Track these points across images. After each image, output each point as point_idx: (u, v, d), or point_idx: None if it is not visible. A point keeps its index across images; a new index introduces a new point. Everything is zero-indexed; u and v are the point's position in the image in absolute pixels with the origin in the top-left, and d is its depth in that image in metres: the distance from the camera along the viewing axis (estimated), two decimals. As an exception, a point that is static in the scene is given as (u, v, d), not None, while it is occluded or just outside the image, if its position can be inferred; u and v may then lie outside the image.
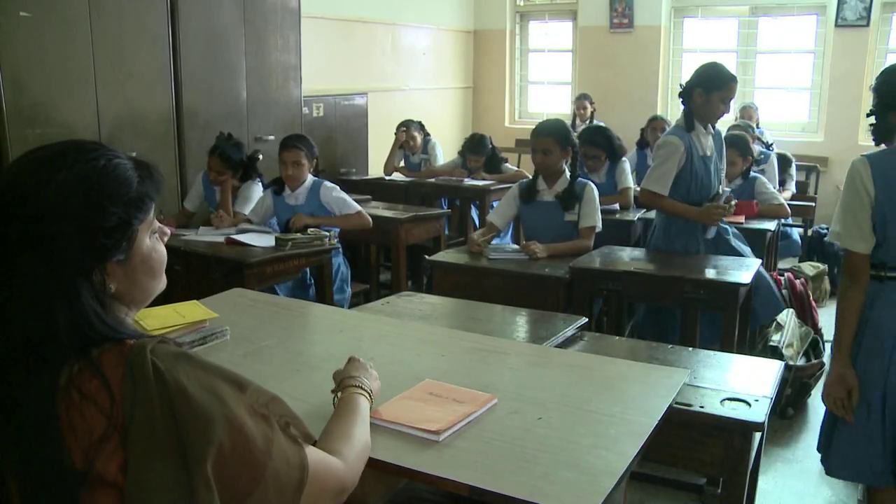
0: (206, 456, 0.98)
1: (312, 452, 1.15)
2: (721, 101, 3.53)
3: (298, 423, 1.16)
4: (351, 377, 1.49)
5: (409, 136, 6.29)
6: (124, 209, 1.06)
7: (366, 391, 1.48)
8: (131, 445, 0.96)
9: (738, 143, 4.67)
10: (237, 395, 1.06)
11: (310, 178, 4.15)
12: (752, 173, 4.73)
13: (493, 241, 3.86)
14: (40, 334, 0.99)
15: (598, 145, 4.86)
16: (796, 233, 5.94)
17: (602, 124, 5.68)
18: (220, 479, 0.99)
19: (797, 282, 4.47)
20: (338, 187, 4.20)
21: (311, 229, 3.92)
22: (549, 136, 3.76)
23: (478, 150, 6.09)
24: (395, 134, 6.32)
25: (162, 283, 1.18)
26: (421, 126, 6.42)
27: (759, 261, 3.50)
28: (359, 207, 4.13)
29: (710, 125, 3.64)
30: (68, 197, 1.01)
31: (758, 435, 2.07)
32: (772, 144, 6.07)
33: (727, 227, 3.73)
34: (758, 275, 3.39)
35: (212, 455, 0.98)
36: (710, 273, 3.22)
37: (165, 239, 1.19)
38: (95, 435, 0.97)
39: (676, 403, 1.73)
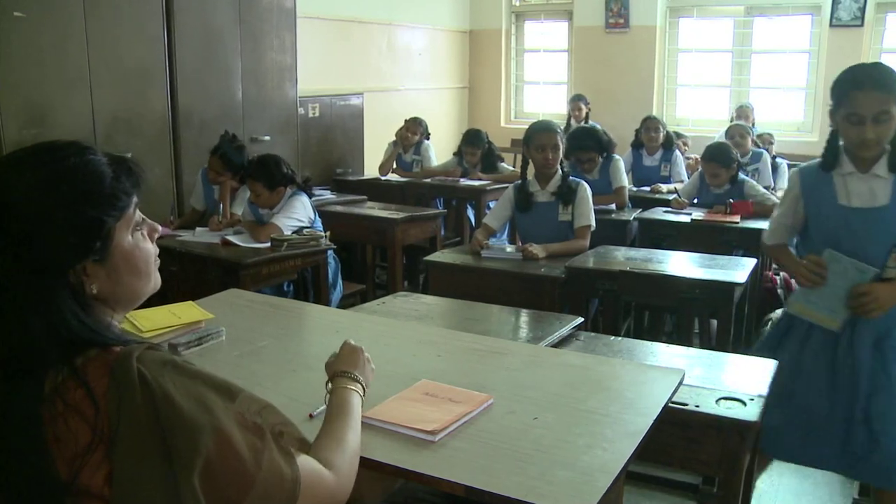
0: (194, 465, 0.96)
1: (305, 464, 1.13)
2: (848, 122, 2.31)
3: (293, 429, 1.15)
4: (344, 369, 1.47)
5: (410, 131, 6.30)
6: (96, 207, 1.03)
7: (359, 384, 1.46)
8: (117, 456, 0.94)
9: (719, 156, 4.63)
10: (226, 405, 1.03)
11: (288, 192, 4.01)
12: (741, 175, 4.73)
13: (490, 240, 3.87)
14: (17, 340, 0.97)
15: (590, 147, 4.87)
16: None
17: (598, 125, 5.68)
18: (209, 489, 0.98)
19: (792, 281, 4.48)
20: (300, 206, 3.99)
21: (307, 230, 3.92)
22: (557, 132, 3.84)
23: (474, 143, 6.10)
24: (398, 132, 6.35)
25: (151, 284, 1.14)
26: (425, 130, 6.43)
27: (755, 260, 3.51)
28: (280, 226, 3.85)
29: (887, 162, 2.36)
30: (38, 197, 0.99)
31: (753, 434, 2.07)
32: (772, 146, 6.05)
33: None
34: None
35: (199, 465, 0.96)
36: (705, 273, 3.22)
37: (156, 235, 1.15)
38: (80, 446, 0.95)
39: (672, 403, 1.73)
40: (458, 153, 6.25)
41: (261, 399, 1.10)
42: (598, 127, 5.41)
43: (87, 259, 1.03)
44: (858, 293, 2.31)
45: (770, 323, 3.00)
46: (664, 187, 5.41)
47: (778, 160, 5.90)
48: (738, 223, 4.25)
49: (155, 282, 1.15)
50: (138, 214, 1.11)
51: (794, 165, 6.72)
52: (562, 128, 4.02)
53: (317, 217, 4.13)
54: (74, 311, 1.01)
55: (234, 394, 1.06)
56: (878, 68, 2.36)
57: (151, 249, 1.14)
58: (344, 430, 1.32)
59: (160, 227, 1.18)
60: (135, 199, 1.10)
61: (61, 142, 1.07)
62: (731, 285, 3.10)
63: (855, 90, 2.29)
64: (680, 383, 1.76)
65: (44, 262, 0.99)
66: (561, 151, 3.82)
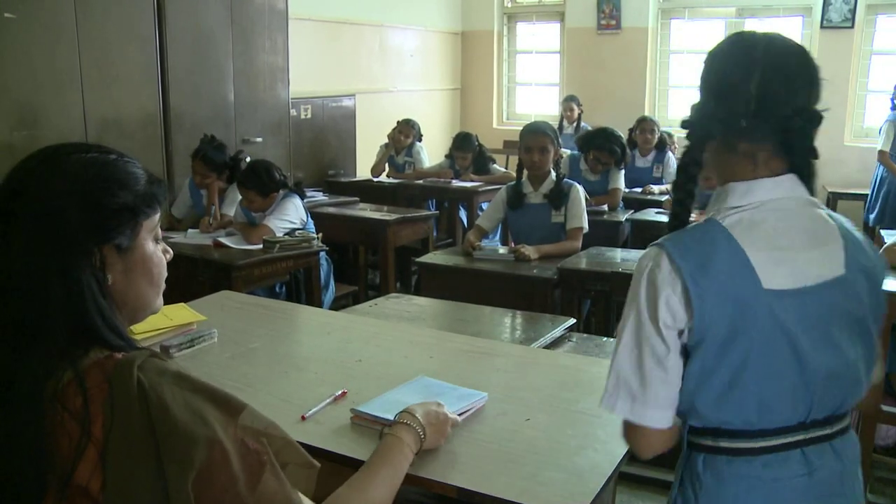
0: (186, 478, 0.94)
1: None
2: None
3: (296, 450, 1.10)
4: (410, 412, 1.40)
5: (403, 133, 6.31)
6: (132, 198, 1.07)
7: (416, 431, 1.36)
8: (109, 462, 0.94)
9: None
10: (226, 423, 1.00)
11: (281, 194, 4.02)
12: None
13: (482, 242, 3.87)
14: (33, 310, 0.97)
15: (612, 152, 4.88)
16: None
17: (588, 127, 5.69)
18: (202, 502, 0.96)
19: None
20: (292, 208, 3.99)
21: (299, 231, 3.92)
22: (546, 135, 3.79)
23: (464, 147, 6.11)
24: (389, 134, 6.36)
25: (158, 300, 1.15)
26: (418, 132, 6.44)
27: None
28: (272, 228, 3.85)
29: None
30: (77, 176, 1.03)
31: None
32: None
33: None
34: None
35: (191, 477, 0.94)
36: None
37: (168, 258, 1.16)
38: (72, 450, 0.94)
39: (664, 404, 1.73)
40: (450, 156, 6.26)
41: (264, 417, 1.06)
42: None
43: (112, 241, 1.05)
44: None
45: None
46: (656, 188, 5.43)
47: None
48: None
49: (160, 300, 1.16)
50: (159, 231, 1.15)
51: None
52: (555, 129, 4.00)
53: (309, 218, 4.12)
54: (92, 290, 1.02)
55: (237, 410, 1.03)
56: None
57: (165, 264, 1.16)
58: (372, 487, 1.25)
59: (172, 252, 1.20)
60: (160, 213, 1.14)
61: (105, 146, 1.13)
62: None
63: None
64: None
65: (71, 235, 1.01)
66: (552, 154, 3.79)
